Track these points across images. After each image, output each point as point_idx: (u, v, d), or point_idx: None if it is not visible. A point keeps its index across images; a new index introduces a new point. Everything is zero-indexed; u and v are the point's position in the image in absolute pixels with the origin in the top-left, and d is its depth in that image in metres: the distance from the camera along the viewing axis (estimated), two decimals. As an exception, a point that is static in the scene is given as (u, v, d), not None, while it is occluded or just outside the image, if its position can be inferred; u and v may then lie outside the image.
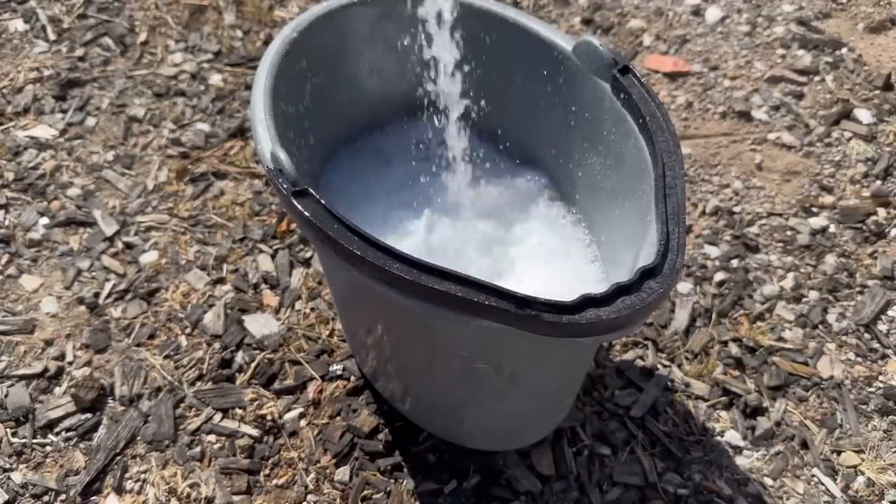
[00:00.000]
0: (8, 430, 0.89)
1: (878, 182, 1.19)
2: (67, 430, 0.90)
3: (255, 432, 0.90)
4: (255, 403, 0.93)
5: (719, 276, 1.06)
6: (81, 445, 0.89)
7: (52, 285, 1.03)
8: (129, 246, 1.08)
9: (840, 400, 0.95)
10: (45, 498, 0.85)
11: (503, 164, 0.91)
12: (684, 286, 1.05)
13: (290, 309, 1.02)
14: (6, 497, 0.84)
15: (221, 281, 1.04)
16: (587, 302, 0.55)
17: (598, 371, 0.96)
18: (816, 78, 1.34)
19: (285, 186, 0.63)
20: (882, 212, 1.15)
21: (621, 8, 1.48)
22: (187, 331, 0.99)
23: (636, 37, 1.42)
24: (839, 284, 1.06)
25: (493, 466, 0.87)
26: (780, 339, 1.01)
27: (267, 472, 0.87)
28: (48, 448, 0.89)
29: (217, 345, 0.98)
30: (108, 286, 1.03)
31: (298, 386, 0.94)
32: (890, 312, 1.04)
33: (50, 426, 0.90)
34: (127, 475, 0.87)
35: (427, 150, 0.90)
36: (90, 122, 1.24)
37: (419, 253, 0.59)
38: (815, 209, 1.15)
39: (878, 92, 1.31)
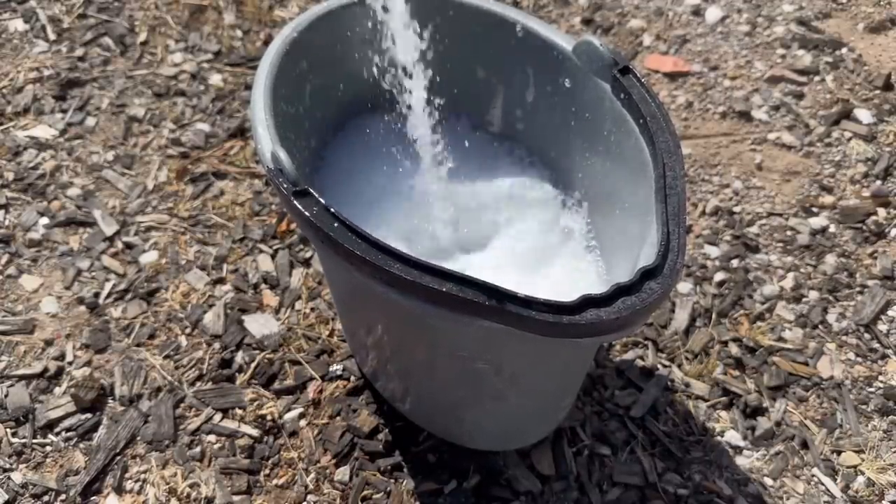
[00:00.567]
0: (8, 430, 0.89)
1: (878, 182, 1.19)
2: (67, 430, 0.90)
3: (255, 432, 0.90)
4: (255, 403, 0.93)
5: (719, 276, 1.06)
6: (81, 445, 0.89)
7: (52, 285, 1.03)
8: (129, 246, 1.08)
9: (840, 400, 0.95)
10: (45, 498, 0.85)
11: (503, 164, 0.91)
12: (684, 286, 1.05)
13: (290, 309, 1.02)
14: (6, 497, 0.84)
15: (221, 281, 1.04)
16: (587, 302, 0.55)
17: (598, 371, 0.96)
18: (816, 78, 1.34)
19: (286, 186, 0.63)
20: (882, 212, 1.15)
21: (621, 8, 1.48)
22: (187, 331, 0.99)
23: (636, 37, 1.42)
24: (839, 284, 1.06)
25: (493, 466, 0.87)
26: (780, 339, 1.01)
27: (267, 472, 0.87)
28: (48, 448, 0.89)
29: (217, 345, 0.98)
30: (108, 286, 1.03)
31: (298, 386, 0.94)
32: (890, 312, 1.04)
33: (50, 426, 0.90)
34: (127, 475, 0.87)
35: (426, 150, 0.90)
36: (90, 121, 1.24)
37: (421, 256, 0.59)
38: (815, 209, 1.15)
39: (878, 92, 1.31)
